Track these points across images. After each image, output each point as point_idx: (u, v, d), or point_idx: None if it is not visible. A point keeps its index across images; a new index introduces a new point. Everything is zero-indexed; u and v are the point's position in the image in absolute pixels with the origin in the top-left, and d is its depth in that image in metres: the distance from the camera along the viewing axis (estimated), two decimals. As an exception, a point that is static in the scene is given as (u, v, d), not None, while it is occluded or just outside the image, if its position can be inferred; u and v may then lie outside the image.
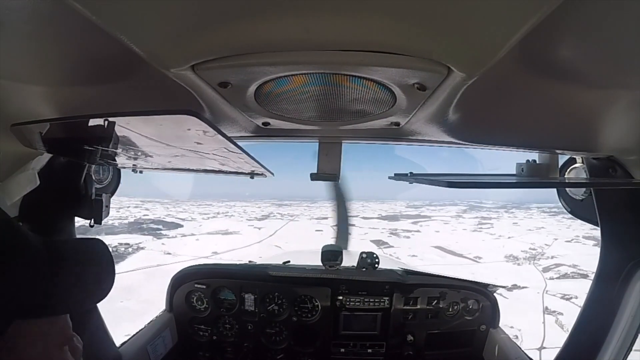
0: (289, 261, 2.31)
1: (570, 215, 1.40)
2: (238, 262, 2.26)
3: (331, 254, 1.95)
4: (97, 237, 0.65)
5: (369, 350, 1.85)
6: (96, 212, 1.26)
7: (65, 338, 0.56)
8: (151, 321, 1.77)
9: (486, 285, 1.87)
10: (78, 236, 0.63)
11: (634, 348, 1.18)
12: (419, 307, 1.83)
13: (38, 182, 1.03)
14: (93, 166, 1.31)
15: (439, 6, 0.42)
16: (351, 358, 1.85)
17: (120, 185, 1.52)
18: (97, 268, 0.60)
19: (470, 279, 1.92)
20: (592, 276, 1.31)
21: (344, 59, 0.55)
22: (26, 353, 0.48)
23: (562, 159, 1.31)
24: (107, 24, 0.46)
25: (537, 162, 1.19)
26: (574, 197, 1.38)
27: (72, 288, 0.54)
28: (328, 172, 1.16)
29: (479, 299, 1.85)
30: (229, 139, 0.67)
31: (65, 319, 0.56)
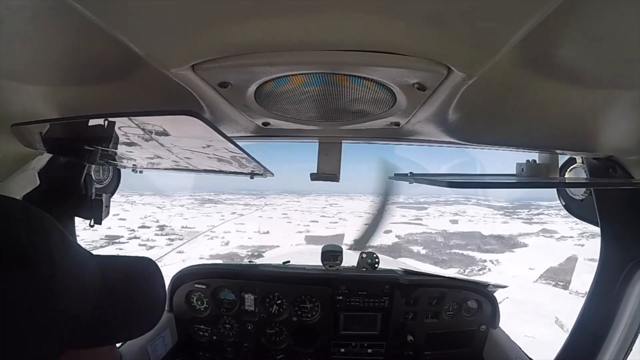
0: (289, 261, 2.31)
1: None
2: (238, 262, 2.27)
3: (331, 254, 1.95)
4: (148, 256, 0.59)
5: (369, 351, 1.85)
6: (96, 212, 1.26)
7: None
8: None
9: (486, 285, 1.87)
10: (127, 254, 0.57)
11: (634, 348, 1.18)
12: (419, 307, 1.83)
13: (38, 182, 1.03)
14: (93, 166, 1.31)
15: (439, 6, 0.42)
16: (351, 358, 1.85)
17: (120, 185, 1.52)
18: (149, 292, 0.54)
19: (470, 279, 1.92)
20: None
21: (344, 59, 0.55)
22: None
23: (562, 159, 1.32)
24: (107, 24, 0.46)
25: (537, 162, 1.19)
26: (574, 197, 1.38)
27: (123, 317, 0.49)
28: (328, 172, 1.16)
29: (479, 299, 1.85)
30: (229, 139, 0.67)
31: (112, 347, 0.52)
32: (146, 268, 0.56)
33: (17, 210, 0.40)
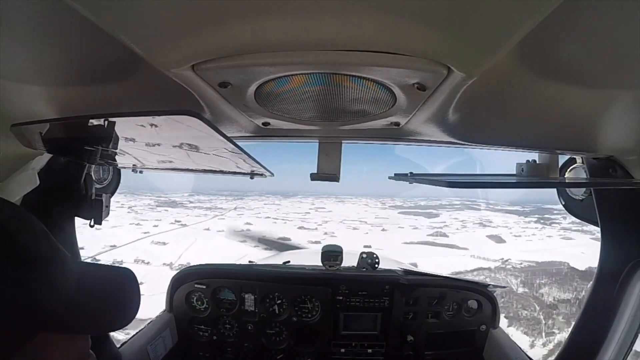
0: (289, 261, 2.31)
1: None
2: (238, 262, 2.26)
3: (331, 254, 1.95)
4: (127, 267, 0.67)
5: (369, 351, 1.85)
6: (96, 212, 1.26)
7: (84, 354, 0.57)
8: (151, 321, 1.76)
9: (486, 285, 1.87)
10: (108, 264, 0.66)
11: (634, 348, 1.18)
12: (419, 307, 1.83)
13: (38, 182, 1.03)
14: (93, 166, 1.31)
15: (439, 6, 0.42)
16: (351, 358, 1.85)
17: (120, 185, 1.52)
18: (123, 297, 0.61)
19: (470, 279, 1.92)
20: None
21: (344, 59, 0.55)
22: None
23: (562, 159, 1.32)
24: (107, 24, 0.46)
25: (537, 162, 1.19)
26: (574, 197, 1.38)
27: (96, 312, 0.56)
28: (328, 172, 1.16)
29: (479, 299, 1.85)
30: (229, 139, 0.67)
31: (86, 337, 0.58)
32: (124, 276, 0.63)
33: (10, 212, 0.49)
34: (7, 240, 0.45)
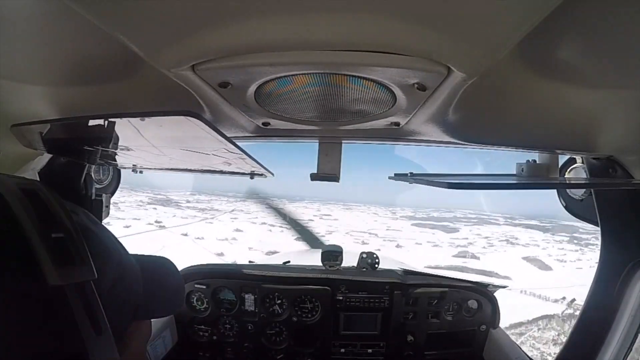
0: (289, 261, 2.31)
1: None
2: (238, 263, 2.26)
3: (331, 254, 1.95)
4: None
5: (369, 350, 1.85)
6: (96, 212, 1.26)
7: (150, 334, 0.66)
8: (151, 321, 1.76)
9: (486, 285, 1.87)
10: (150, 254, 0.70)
11: (634, 348, 1.18)
12: (419, 307, 1.83)
13: None
14: (93, 166, 1.31)
15: (439, 6, 0.42)
16: (351, 358, 1.85)
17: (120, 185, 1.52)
18: (174, 282, 0.70)
19: (470, 279, 1.92)
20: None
21: (344, 59, 0.55)
22: (136, 347, 0.58)
23: (562, 159, 1.31)
24: (107, 24, 0.46)
25: (537, 162, 1.19)
26: (573, 197, 1.38)
27: (161, 297, 0.65)
28: (328, 172, 1.16)
29: (479, 299, 1.85)
30: (229, 139, 0.67)
31: (150, 321, 0.66)
32: (166, 263, 0.69)
33: (86, 218, 0.53)
34: (98, 243, 0.50)
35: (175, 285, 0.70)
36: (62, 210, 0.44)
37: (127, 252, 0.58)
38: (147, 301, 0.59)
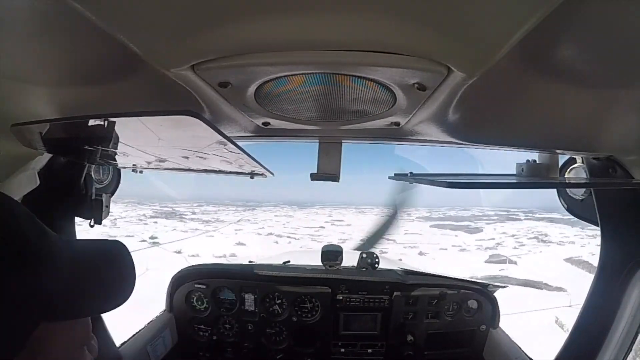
0: (289, 261, 2.31)
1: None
2: (238, 262, 2.26)
3: (331, 254, 1.95)
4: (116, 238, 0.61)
5: (369, 350, 1.85)
6: (96, 212, 1.26)
7: (86, 339, 0.54)
8: (151, 321, 1.76)
9: (486, 285, 1.87)
10: (97, 238, 0.63)
11: (633, 348, 1.18)
12: (419, 307, 1.83)
13: (38, 182, 1.03)
14: (93, 166, 1.31)
15: (439, 6, 0.42)
16: (351, 358, 1.85)
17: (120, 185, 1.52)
18: (119, 272, 0.58)
19: (470, 279, 1.92)
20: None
21: (344, 59, 0.55)
22: (51, 355, 0.48)
23: (562, 159, 1.31)
24: (107, 23, 0.46)
25: (537, 162, 1.19)
26: (573, 197, 1.38)
27: (94, 292, 0.54)
28: (328, 172, 1.16)
29: (478, 299, 1.85)
30: (229, 139, 0.67)
31: (86, 320, 0.55)
32: (115, 248, 0.59)
33: None
34: None
35: (119, 276, 0.57)
36: None
37: (47, 235, 0.49)
38: (71, 297, 0.49)
